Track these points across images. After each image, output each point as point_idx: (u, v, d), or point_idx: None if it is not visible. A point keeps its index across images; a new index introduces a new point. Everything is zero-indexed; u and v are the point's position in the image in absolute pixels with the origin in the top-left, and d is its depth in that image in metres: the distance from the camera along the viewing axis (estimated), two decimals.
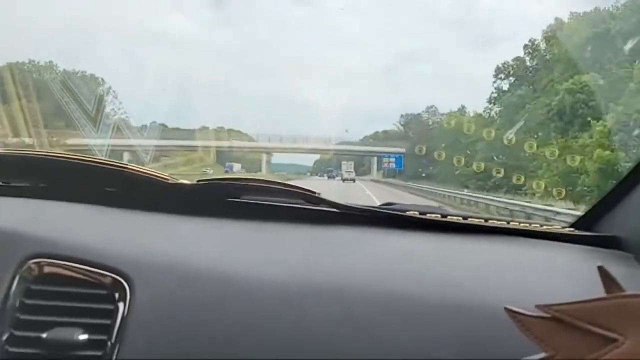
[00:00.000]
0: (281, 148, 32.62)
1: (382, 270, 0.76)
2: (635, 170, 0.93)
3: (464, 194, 15.90)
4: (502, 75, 26.35)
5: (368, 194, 16.79)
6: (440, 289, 0.71)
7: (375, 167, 39.32)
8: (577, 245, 0.94)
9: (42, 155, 1.01)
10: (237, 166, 30.00)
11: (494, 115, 25.21)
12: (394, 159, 33.64)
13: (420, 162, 28.15)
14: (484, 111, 27.42)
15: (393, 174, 35.23)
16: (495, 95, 26.52)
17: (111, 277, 0.69)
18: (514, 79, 26.03)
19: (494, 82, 26.47)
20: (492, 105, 26.17)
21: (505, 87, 26.33)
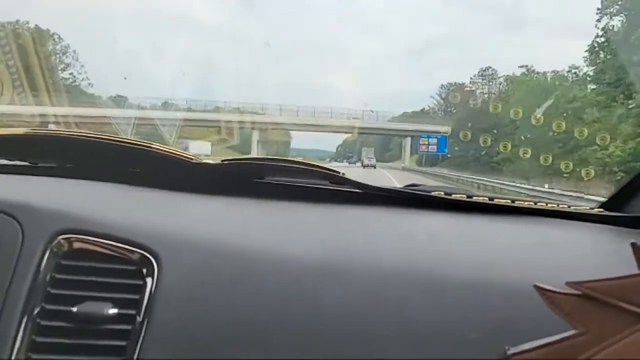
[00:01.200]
0: (306, 125, 30.02)
1: (407, 250, 0.76)
2: None
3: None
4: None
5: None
6: (467, 267, 0.70)
7: (408, 150, 34.16)
8: (606, 226, 0.92)
9: (68, 135, 1.02)
10: (196, 144, 24.21)
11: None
12: (435, 140, 27.52)
13: (472, 146, 22.85)
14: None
15: (434, 160, 29.68)
16: None
17: (139, 253, 0.69)
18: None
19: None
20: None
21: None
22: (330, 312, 0.64)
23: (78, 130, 1.02)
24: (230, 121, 23.97)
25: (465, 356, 0.61)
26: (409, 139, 34.01)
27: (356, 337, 0.63)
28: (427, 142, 28.25)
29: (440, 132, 28.81)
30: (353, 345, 0.62)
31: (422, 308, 0.65)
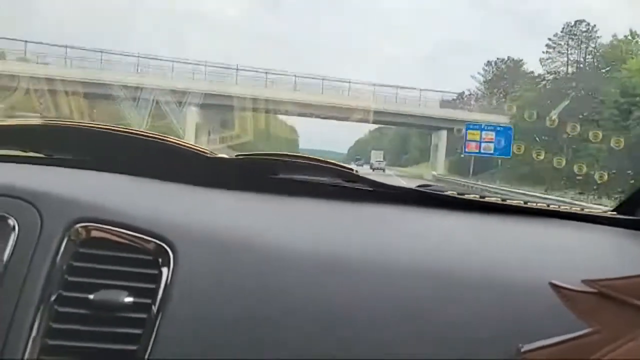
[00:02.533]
0: (306, 105, 23.43)
1: (421, 248, 0.76)
2: None
3: None
4: None
5: None
6: (481, 266, 0.70)
7: (442, 151, 25.75)
8: (619, 229, 0.92)
9: (83, 126, 1.03)
10: None
11: None
12: (491, 134, 18.41)
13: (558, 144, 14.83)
14: None
15: (483, 167, 20.86)
16: None
17: (155, 243, 0.70)
18: None
19: None
20: None
21: None
22: (344, 309, 0.65)
23: (93, 122, 1.03)
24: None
25: (479, 354, 0.61)
26: (443, 133, 25.16)
27: (370, 334, 0.63)
28: (478, 137, 18.83)
29: (498, 124, 19.52)
30: (367, 342, 0.63)
31: (436, 306, 0.65)
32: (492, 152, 19.18)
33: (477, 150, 19.51)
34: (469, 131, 19.61)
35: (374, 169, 30.17)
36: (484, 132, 19.15)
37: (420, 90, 27.46)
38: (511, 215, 0.94)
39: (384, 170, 29.63)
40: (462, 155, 20.99)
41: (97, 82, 18.03)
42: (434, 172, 24.87)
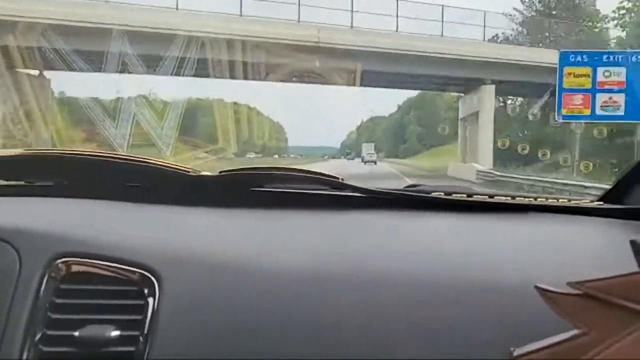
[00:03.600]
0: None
1: (409, 254, 0.76)
2: None
3: None
4: None
5: None
6: (469, 269, 0.70)
7: (487, 122, 16.15)
8: (606, 219, 0.92)
9: (63, 153, 1.02)
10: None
11: None
12: (621, 72, 9.89)
13: None
14: None
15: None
16: None
17: (139, 272, 0.69)
18: None
19: None
20: None
21: None
22: (335, 320, 0.64)
23: (73, 149, 1.02)
24: None
25: (471, 358, 0.61)
26: (491, 90, 16.11)
27: (362, 342, 0.63)
28: (588, 81, 10.29)
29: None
30: (360, 351, 0.62)
31: (426, 312, 0.65)
32: (619, 111, 10.18)
33: (589, 111, 10.55)
34: (569, 69, 10.61)
35: (365, 162, 29.38)
36: (603, 70, 10.15)
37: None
38: (498, 212, 0.94)
39: (375, 162, 28.80)
40: (556, 122, 11.90)
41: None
42: (479, 166, 15.49)
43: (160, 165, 0.98)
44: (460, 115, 20.17)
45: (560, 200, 1.01)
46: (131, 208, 0.92)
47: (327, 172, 1.02)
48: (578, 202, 1.00)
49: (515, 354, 0.57)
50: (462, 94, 19.84)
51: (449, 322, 0.64)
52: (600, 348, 0.52)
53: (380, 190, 0.99)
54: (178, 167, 0.99)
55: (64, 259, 0.70)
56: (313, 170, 1.03)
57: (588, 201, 1.02)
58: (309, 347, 0.63)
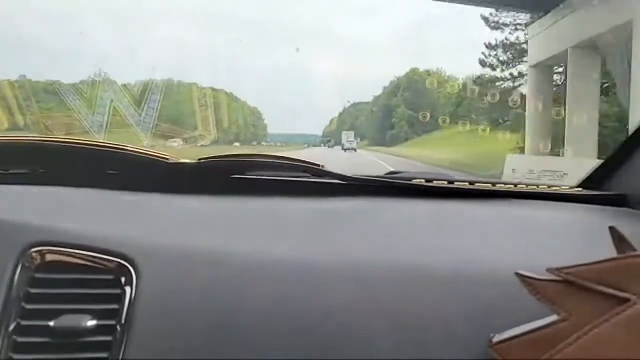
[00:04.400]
0: None
1: (389, 242, 0.76)
2: None
3: None
4: None
5: None
6: (450, 257, 0.70)
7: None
8: (585, 205, 0.93)
9: (39, 140, 1.00)
10: None
11: None
12: None
13: None
14: None
15: None
16: None
17: (116, 261, 0.68)
18: None
19: None
20: None
21: None
22: (316, 310, 0.64)
23: (49, 136, 1.00)
24: None
25: (452, 346, 0.61)
26: None
27: (342, 333, 0.62)
28: None
29: None
30: (340, 341, 0.62)
31: (406, 300, 0.65)
32: None
33: None
34: None
35: (345, 149, 29.03)
36: None
37: None
38: (478, 199, 0.94)
39: (355, 150, 28.22)
40: None
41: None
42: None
43: (138, 152, 0.96)
44: (535, 60, 11.95)
45: (540, 186, 1.01)
46: (108, 196, 0.90)
47: (307, 160, 1.01)
48: (558, 188, 1.01)
49: (494, 340, 0.58)
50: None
51: (429, 309, 0.64)
52: (578, 334, 0.52)
53: (361, 177, 0.99)
54: (157, 154, 0.97)
55: (38, 248, 0.69)
56: (294, 157, 1.02)
57: (567, 187, 1.03)
58: (288, 335, 0.62)
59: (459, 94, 20.45)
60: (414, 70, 28.08)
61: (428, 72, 27.30)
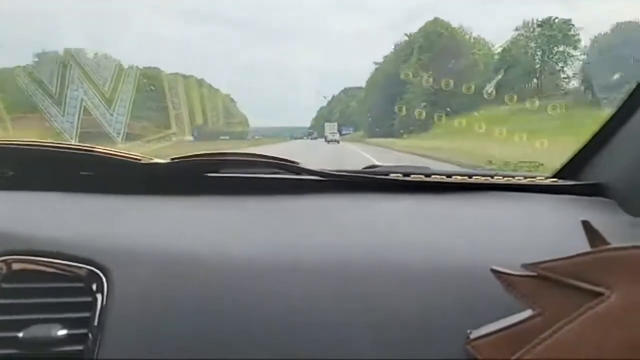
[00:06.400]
0: None
1: (366, 239, 0.75)
2: (615, 115, 0.92)
3: None
4: None
5: None
6: (427, 253, 0.70)
7: None
8: (560, 196, 0.93)
9: (5, 142, 0.97)
10: None
11: None
12: None
13: None
14: None
15: None
16: None
17: (85, 268, 0.66)
18: None
19: None
20: None
21: None
22: (293, 310, 0.63)
23: (16, 139, 0.97)
24: None
25: (428, 342, 0.61)
26: None
27: (320, 331, 0.62)
28: None
29: None
30: (317, 340, 0.62)
31: (382, 297, 0.64)
32: None
33: None
34: None
35: (328, 142, 28.45)
36: None
37: None
38: (455, 192, 0.94)
39: (338, 142, 27.44)
40: None
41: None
42: None
43: (108, 153, 0.94)
44: None
45: (516, 177, 1.01)
46: (78, 200, 0.88)
47: (284, 157, 0.99)
48: (533, 179, 1.01)
49: (471, 336, 0.58)
50: None
51: (405, 306, 0.63)
52: (554, 329, 0.52)
53: (338, 173, 0.98)
54: (128, 155, 0.95)
55: (3, 257, 0.67)
56: (270, 155, 1.01)
57: (543, 178, 1.03)
58: (266, 335, 0.62)
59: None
60: (435, 22, 17.54)
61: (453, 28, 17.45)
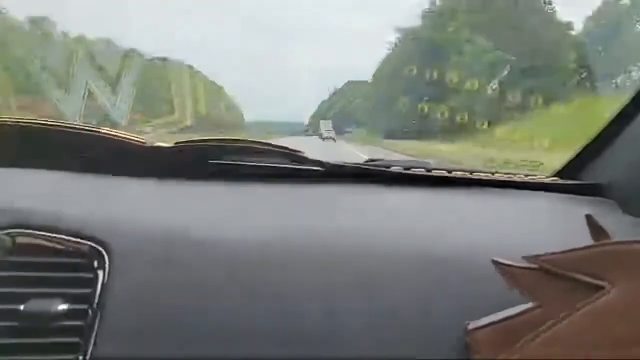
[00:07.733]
0: None
1: (366, 228, 0.76)
2: (618, 116, 0.92)
3: None
4: None
5: None
6: (427, 244, 0.70)
7: None
8: (561, 194, 0.94)
9: (9, 121, 0.97)
10: None
11: None
12: None
13: None
14: None
15: None
16: None
17: (88, 245, 0.67)
18: None
19: None
20: None
21: None
22: (294, 298, 0.64)
23: (21, 117, 0.97)
24: None
25: (427, 332, 0.62)
26: None
27: (319, 319, 0.62)
28: None
29: None
30: (317, 328, 0.62)
31: (384, 286, 0.65)
32: None
33: None
34: None
35: (324, 139, 27.98)
36: None
37: None
38: (456, 187, 0.94)
39: (334, 140, 26.92)
40: None
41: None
42: None
43: (113, 135, 0.94)
44: None
45: (517, 175, 1.02)
46: (82, 179, 0.88)
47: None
48: (534, 177, 1.02)
49: (470, 327, 0.58)
50: None
51: (405, 297, 0.64)
52: (553, 321, 0.53)
53: (340, 164, 0.98)
54: (132, 138, 0.95)
55: (7, 231, 0.67)
56: (274, 143, 1.01)
57: (544, 176, 1.03)
58: (265, 318, 0.62)
59: None
60: None
61: None
